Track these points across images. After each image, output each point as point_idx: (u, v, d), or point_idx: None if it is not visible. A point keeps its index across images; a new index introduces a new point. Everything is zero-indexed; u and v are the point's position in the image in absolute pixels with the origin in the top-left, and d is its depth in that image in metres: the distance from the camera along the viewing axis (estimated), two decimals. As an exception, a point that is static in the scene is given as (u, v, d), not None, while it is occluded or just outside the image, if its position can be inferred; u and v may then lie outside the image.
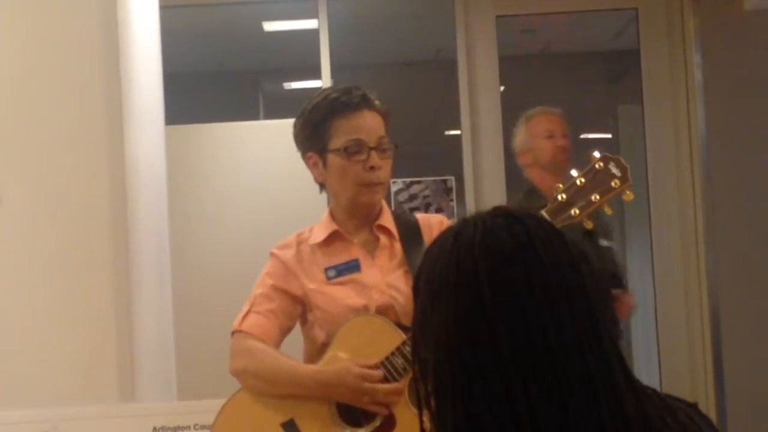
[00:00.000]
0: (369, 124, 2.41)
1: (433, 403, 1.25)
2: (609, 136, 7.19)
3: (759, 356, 4.51)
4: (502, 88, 5.08)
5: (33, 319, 3.20)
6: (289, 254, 2.49)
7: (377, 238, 2.48)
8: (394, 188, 5.04)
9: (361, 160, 2.39)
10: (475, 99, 4.95)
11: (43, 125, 3.25)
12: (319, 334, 2.42)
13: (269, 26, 6.20)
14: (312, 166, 2.50)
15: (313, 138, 2.46)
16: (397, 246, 2.46)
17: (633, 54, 5.14)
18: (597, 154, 2.28)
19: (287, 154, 4.73)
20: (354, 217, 2.49)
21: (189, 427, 2.78)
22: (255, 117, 6.93)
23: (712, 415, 3.97)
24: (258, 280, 2.52)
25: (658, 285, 4.88)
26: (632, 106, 5.45)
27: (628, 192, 2.29)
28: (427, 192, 5.13)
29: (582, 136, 8.02)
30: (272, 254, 2.53)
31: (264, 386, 2.39)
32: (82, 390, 3.17)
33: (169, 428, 2.78)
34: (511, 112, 5.17)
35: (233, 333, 2.47)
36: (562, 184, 2.30)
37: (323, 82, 5.01)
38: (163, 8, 3.29)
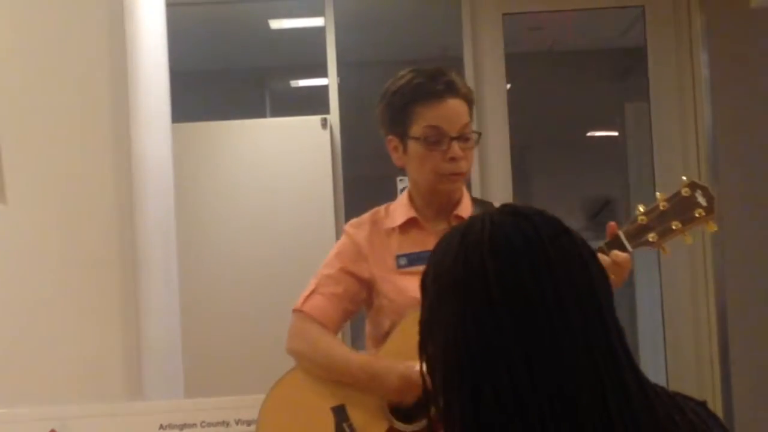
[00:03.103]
0: (452, 113, 2.33)
1: (440, 399, 1.25)
2: (616, 133, 7.18)
3: (767, 354, 4.50)
4: (508, 86, 5.07)
5: (40, 317, 3.21)
6: (362, 235, 2.45)
7: None
8: (400, 186, 5.03)
9: (441, 150, 2.32)
10: (482, 97, 4.93)
11: (50, 124, 3.26)
12: (384, 322, 2.40)
13: (276, 24, 6.20)
14: (392, 150, 2.44)
15: (394, 122, 2.40)
16: None
17: (640, 51, 5.13)
18: (685, 179, 2.15)
19: (294, 151, 4.78)
20: (432, 204, 2.42)
21: (196, 425, 2.78)
22: (261, 115, 6.92)
23: (720, 413, 3.96)
24: (327, 258, 2.48)
25: (664, 281, 4.86)
26: (639, 103, 5.44)
27: (711, 223, 2.17)
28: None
29: (589, 133, 8.01)
30: (345, 232, 2.49)
31: (317, 370, 2.37)
32: (89, 388, 3.18)
33: (175, 426, 2.78)
34: (518, 110, 5.17)
35: (294, 311, 2.44)
36: (644, 205, 2.19)
37: (330, 80, 5.00)
38: (170, 6, 3.30)
